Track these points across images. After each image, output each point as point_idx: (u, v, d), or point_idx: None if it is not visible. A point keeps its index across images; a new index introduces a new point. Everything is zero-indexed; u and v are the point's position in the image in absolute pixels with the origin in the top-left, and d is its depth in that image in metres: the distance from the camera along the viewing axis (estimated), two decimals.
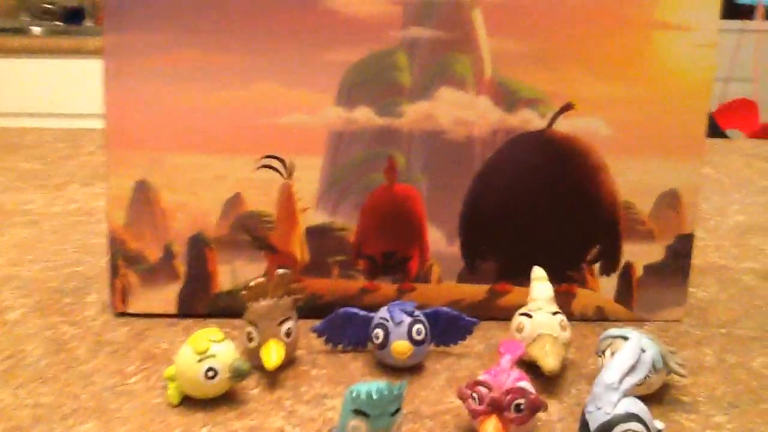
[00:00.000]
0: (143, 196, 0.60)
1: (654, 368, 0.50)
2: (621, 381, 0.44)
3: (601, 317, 0.63)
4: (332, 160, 0.60)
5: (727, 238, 0.85)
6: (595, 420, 0.43)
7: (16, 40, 2.08)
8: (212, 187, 0.60)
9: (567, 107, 0.59)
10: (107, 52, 0.58)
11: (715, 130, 1.11)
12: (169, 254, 0.61)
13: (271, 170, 0.60)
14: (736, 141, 1.28)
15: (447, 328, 0.57)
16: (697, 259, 0.64)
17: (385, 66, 0.59)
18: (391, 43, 0.58)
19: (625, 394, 0.43)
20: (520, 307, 0.57)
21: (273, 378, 0.53)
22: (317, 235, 0.61)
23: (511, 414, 0.45)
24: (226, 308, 0.61)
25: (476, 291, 0.63)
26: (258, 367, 0.53)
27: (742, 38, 2.39)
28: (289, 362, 0.55)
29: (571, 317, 0.56)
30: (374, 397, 0.42)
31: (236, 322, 0.60)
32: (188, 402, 0.50)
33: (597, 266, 0.62)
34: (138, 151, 0.59)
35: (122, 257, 0.61)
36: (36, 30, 2.22)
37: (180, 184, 0.60)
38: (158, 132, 0.59)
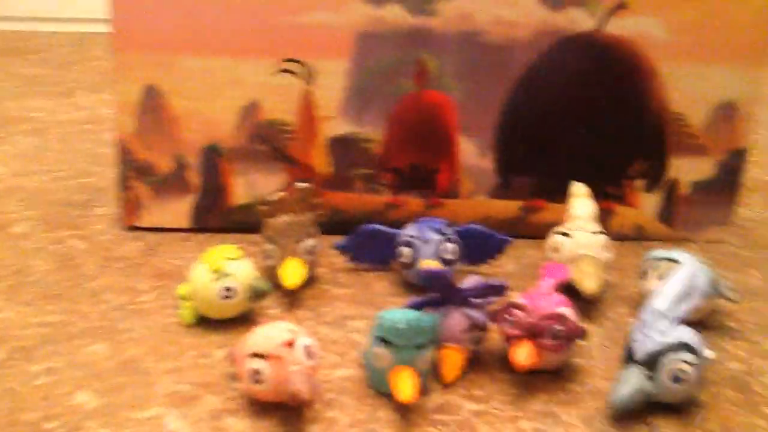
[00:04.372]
0: (153, 103, 0.55)
1: (707, 293, 0.46)
2: (672, 308, 0.40)
3: (641, 236, 0.59)
4: (358, 64, 0.55)
5: None
6: (642, 348, 0.40)
7: None
8: (226, 93, 0.55)
9: (620, 6, 0.53)
10: None
11: None
12: (181, 165, 0.57)
13: (290, 75, 0.55)
14: None
15: (477, 247, 0.53)
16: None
17: None
18: None
19: (678, 322, 0.40)
20: (553, 225, 0.53)
21: (293, 298, 0.50)
22: (340, 146, 0.57)
23: (548, 341, 0.42)
24: (242, 223, 0.58)
25: (508, 207, 0.59)
26: (277, 286, 0.50)
27: None
28: (310, 281, 0.52)
29: (608, 236, 0.52)
30: (400, 326, 0.39)
31: (253, 237, 0.57)
32: (203, 322, 0.47)
33: (640, 182, 0.58)
34: (146, 53, 0.54)
35: (132, 168, 0.57)
36: None
37: (191, 89, 0.55)
38: (167, 33, 0.54)
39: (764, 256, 0.58)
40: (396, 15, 0.53)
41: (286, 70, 0.55)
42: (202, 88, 0.55)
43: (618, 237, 0.59)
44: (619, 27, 0.54)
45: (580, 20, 0.53)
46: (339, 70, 0.55)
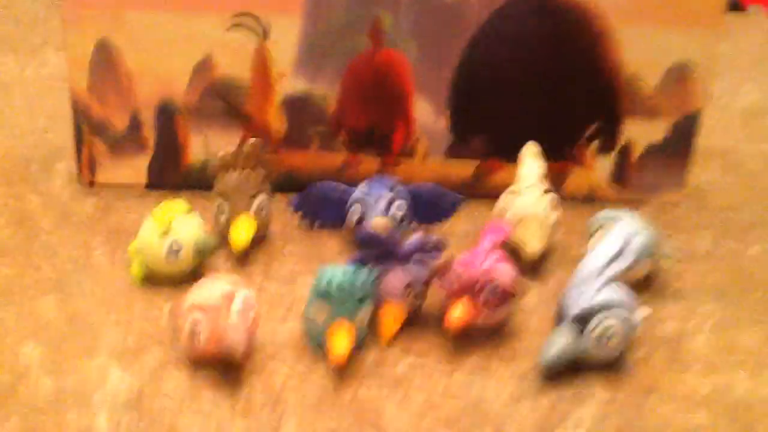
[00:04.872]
0: (105, 58, 0.55)
1: (643, 254, 0.47)
2: (605, 267, 0.41)
3: (594, 198, 0.60)
4: (312, 20, 0.55)
5: (736, 119, 0.80)
6: (573, 307, 0.41)
7: None
8: (179, 48, 0.55)
9: None
10: None
11: (735, 5, 1.03)
12: (136, 122, 0.57)
13: (244, 30, 0.55)
14: (757, 17, 1.20)
15: (430, 206, 0.54)
16: (702, 141, 0.60)
17: None
18: None
19: (610, 281, 0.41)
20: (509, 185, 0.54)
21: (244, 254, 0.51)
22: (295, 103, 0.57)
23: (485, 298, 0.42)
24: (199, 180, 0.58)
25: (464, 167, 0.59)
26: (228, 241, 0.50)
27: None
28: (262, 238, 0.53)
29: (561, 198, 0.53)
30: (337, 281, 0.39)
31: (210, 194, 0.57)
32: (154, 278, 0.48)
33: (594, 143, 0.59)
34: (96, 7, 0.54)
35: (87, 124, 0.57)
36: None
37: (144, 44, 0.55)
38: None
39: (717, 219, 0.59)
40: None
41: (239, 25, 0.54)
42: (154, 44, 0.55)
43: (572, 198, 0.60)
44: None
45: None
46: (293, 25, 0.54)
